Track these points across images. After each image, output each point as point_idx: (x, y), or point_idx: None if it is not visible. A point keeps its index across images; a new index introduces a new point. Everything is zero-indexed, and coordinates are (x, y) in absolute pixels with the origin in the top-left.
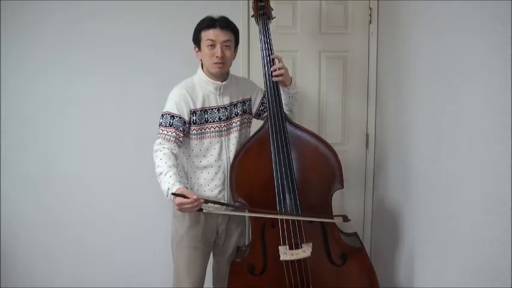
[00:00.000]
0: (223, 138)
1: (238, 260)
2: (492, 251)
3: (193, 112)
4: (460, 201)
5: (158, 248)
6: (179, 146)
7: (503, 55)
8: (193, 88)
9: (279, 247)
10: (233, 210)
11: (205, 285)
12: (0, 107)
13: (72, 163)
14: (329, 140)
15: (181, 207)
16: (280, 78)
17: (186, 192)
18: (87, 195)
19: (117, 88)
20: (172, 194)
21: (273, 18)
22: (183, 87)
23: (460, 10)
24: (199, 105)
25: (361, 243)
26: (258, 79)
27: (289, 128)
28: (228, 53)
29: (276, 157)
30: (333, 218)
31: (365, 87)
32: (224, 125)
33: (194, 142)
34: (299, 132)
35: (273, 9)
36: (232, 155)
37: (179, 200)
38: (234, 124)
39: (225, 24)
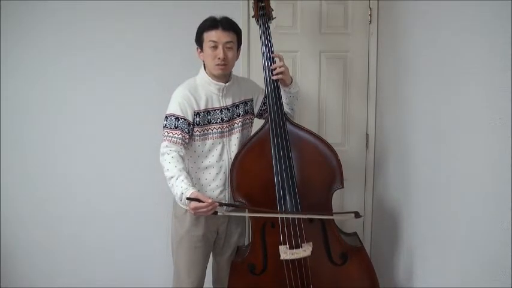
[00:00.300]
0: (224, 139)
1: (238, 260)
2: (492, 251)
3: (196, 113)
4: (460, 201)
5: (158, 248)
6: (185, 148)
7: (503, 55)
8: (196, 89)
9: (279, 246)
10: (244, 212)
11: (205, 285)
12: (0, 107)
13: (72, 163)
14: (329, 140)
15: (196, 211)
16: (280, 76)
17: (200, 196)
18: (87, 195)
19: (117, 88)
20: (187, 198)
21: (273, 19)
22: (186, 88)
23: (460, 10)
24: (202, 107)
25: (361, 243)
26: (258, 79)
27: (290, 127)
28: (230, 54)
29: (276, 157)
30: (332, 216)
31: (365, 87)
32: (226, 126)
33: (197, 143)
34: (299, 132)
35: (273, 10)
36: (233, 155)
37: (194, 204)
38: (236, 125)
39: (227, 25)
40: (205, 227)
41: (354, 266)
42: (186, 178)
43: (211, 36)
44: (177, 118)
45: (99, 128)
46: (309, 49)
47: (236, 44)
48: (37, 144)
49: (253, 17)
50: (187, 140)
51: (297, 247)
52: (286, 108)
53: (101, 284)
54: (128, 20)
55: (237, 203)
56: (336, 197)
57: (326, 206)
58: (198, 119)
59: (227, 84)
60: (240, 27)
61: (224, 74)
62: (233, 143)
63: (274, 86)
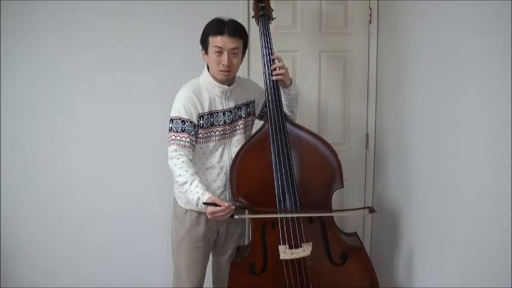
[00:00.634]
0: (226, 141)
1: (238, 260)
2: (492, 251)
3: (201, 116)
4: (460, 201)
5: (158, 248)
6: (193, 151)
7: (503, 55)
8: (200, 90)
9: (279, 246)
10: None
11: (205, 285)
12: (0, 107)
13: (72, 163)
14: (329, 140)
15: (213, 216)
16: (280, 77)
17: (217, 201)
18: (87, 195)
19: (117, 88)
20: (204, 203)
21: (273, 19)
22: (190, 89)
23: (460, 10)
24: (206, 109)
25: (361, 243)
26: (258, 79)
27: (289, 127)
28: (235, 61)
29: (276, 157)
30: (332, 215)
31: (365, 87)
32: (228, 128)
33: (199, 145)
34: (299, 132)
35: (273, 10)
36: (234, 156)
37: (211, 209)
38: (238, 127)
39: (234, 30)
40: (206, 227)
41: (353, 266)
42: (200, 182)
43: (216, 41)
44: (183, 121)
45: (99, 128)
46: (309, 49)
47: (241, 50)
48: (37, 144)
49: (253, 17)
50: (194, 143)
51: (297, 247)
52: (286, 110)
53: (101, 284)
54: (127, 20)
55: (235, 203)
56: (336, 197)
57: (326, 206)
58: (202, 122)
59: (231, 87)
60: None
61: (227, 79)
62: (234, 144)
63: (274, 86)
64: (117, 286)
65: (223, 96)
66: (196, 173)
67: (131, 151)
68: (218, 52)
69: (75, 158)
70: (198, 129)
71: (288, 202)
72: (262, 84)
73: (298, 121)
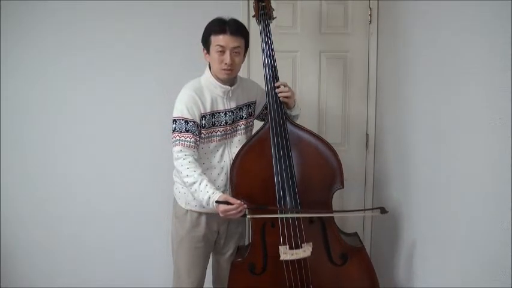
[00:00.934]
0: (227, 141)
1: (238, 260)
2: (492, 251)
3: (203, 116)
4: (460, 201)
5: (158, 248)
6: (198, 151)
7: (503, 55)
8: (202, 90)
9: (279, 247)
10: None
11: (205, 285)
12: (0, 107)
13: (72, 163)
14: (329, 140)
15: (226, 214)
16: (285, 100)
17: (229, 199)
18: (87, 195)
19: (117, 88)
20: (217, 201)
21: (274, 19)
22: (192, 89)
23: (460, 10)
24: (208, 109)
25: (362, 243)
26: (258, 79)
27: (290, 127)
28: (237, 60)
29: (277, 157)
30: (340, 214)
31: (365, 87)
32: (230, 128)
33: (200, 145)
34: (299, 132)
35: (274, 10)
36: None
37: (223, 207)
38: (239, 127)
39: (235, 29)
40: (206, 228)
41: (354, 266)
42: (209, 182)
43: (218, 40)
44: (187, 121)
45: (99, 128)
46: (309, 49)
47: (243, 49)
48: (37, 144)
49: (253, 16)
50: (198, 143)
51: (297, 247)
52: None
53: (101, 284)
54: (128, 20)
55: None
56: (336, 197)
57: (326, 206)
58: (204, 122)
59: (232, 87)
60: None
61: (229, 78)
62: (235, 145)
63: (274, 86)
64: (117, 286)
65: (225, 97)
66: (204, 172)
67: (131, 151)
68: (220, 51)
69: (75, 158)
70: (201, 130)
71: (288, 202)
72: (262, 84)
73: (297, 121)
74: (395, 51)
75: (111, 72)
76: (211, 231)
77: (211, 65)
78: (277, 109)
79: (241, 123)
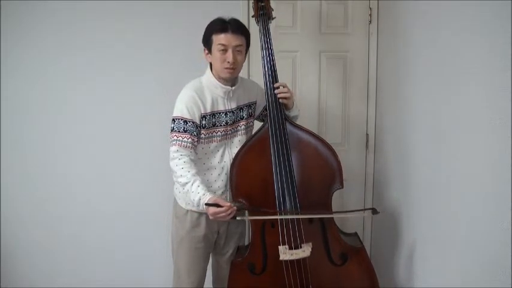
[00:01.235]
0: (227, 141)
1: (238, 260)
2: (492, 251)
3: (203, 116)
4: (460, 201)
5: (158, 248)
6: (195, 151)
7: (503, 55)
8: (202, 91)
9: (279, 247)
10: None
11: (205, 285)
12: (0, 107)
13: (72, 163)
14: (329, 140)
15: (215, 217)
16: (284, 101)
17: (219, 201)
18: (87, 195)
19: (117, 88)
20: (206, 204)
21: (273, 19)
22: (192, 89)
23: (460, 10)
24: (209, 109)
25: (361, 243)
26: (258, 79)
27: (289, 128)
28: (239, 58)
29: (276, 157)
30: (332, 215)
31: (365, 87)
32: (230, 129)
33: (200, 146)
34: (299, 132)
35: (273, 10)
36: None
37: (213, 209)
38: (239, 127)
39: (237, 28)
40: (206, 228)
41: (353, 266)
42: (202, 183)
43: (220, 39)
44: (186, 121)
45: (99, 128)
46: (309, 49)
47: (245, 47)
48: (37, 144)
49: (253, 16)
50: (196, 144)
51: (297, 247)
52: None
53: (101, 284)
54: (128, 20)
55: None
56: (336, 197)
57: (326, 206)
58: (204, 122)
59: (233, 87)
60: None
61: (232, 78)
62: (235, 145)
63: (274, 86)
64: (117, 286)
65: (226, 97)
66: (198, 173)
67: (131, 151)
68: (222, 50)
69: (75, 158)
70: (201, 130)
71: (287, 203)
72: (262, 85)
73: (297, 121)
74: (395, 51)
75: (111, 72)
76: (211, 231)
77: (213, 65)
78: (277, 109)
79: (241, 123)
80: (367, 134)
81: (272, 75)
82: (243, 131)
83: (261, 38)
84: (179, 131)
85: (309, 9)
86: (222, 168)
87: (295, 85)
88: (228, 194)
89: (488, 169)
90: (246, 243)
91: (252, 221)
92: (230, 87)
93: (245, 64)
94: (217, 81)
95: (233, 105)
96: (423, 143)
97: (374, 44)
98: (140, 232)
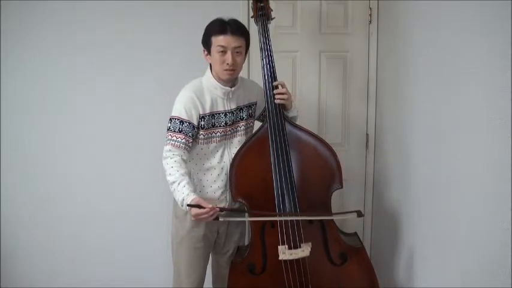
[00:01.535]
0: (226, 142)
1: (238, 260)
2: (492, 251)
3: (202, 117)
4: (460, 201)
5: (158, 248)
6: (189, 152)
7: (503, 55)
8: (202, 91)
9: (278, 247)
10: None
11: (205, 285)
12: (0, 107)
13: (72, 163)
14: (329, 140)
15: (197, 218)
16: (283, 102)
17: (201, 202)
18: (87, 195)
19: (117, 88)
20: (188, 205)
21: (272, 19)
22: (192, 90)
23: (460, 10)
24: (208, 110)
25: (361, 243)
26: (258, 79)
27: (289, 128)
28: (238, 59)
29: (275, 157)
30: (332, 217)
31: (365, 87)
32: (229, 129)
33: (200, 146)
34: (298, 133)
35: (272, 10)
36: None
37: (195, 210)
38: (239, 128)
39: (236, 29)
40: (206, 228)
41: (353, 266)
42: (188, 183)
43: (219, 41)
44: (182, 121)
45: (99, 128)
46: (309, 49)
47: (244, 48)
48: (37, 144)
49: (252, 17)
50: (190, 144)
51: (296, 247)
52: None
53: (101, 284)
54: (128, 20)
55: (236, 207)
56: (336, 197)
57: (325, 206)
58: (203, 123)
59: (233, 88)
60: None
61: (231, 79)
62: (234, 145)
63: (273, 87)
64: (117, 286)
65: (225, 98)
66: (188, 173)
67: (131, 151)
68: (222, 51)
69: (75, 158)
70: (199, 131)
71: (287, 204)
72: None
73: (297, 121)
74: (395, 51)
75: (111, 72)
76: (211, 231)
77: (212, 66)
78: (276, 109)
79: (241, 124)
80: (367, 134)
81: (271, 75)
82: (242, 132)
83: (260, 39)
84: (174, 131)
85: (309, 9)
86: (222, 168)
87: (295, 85)
88: (228, 195)
89: (488, 169)
90: (246, 243)
91: (251, 221)
92: (230, 88)
93: (245, 64)
94: (216, 82)
95: (233, 106)
96: (423, 143)
97: (374, 44)
98: (140, 232)
